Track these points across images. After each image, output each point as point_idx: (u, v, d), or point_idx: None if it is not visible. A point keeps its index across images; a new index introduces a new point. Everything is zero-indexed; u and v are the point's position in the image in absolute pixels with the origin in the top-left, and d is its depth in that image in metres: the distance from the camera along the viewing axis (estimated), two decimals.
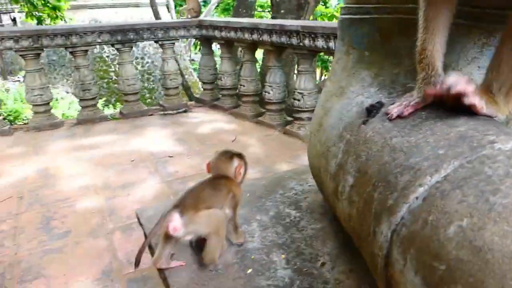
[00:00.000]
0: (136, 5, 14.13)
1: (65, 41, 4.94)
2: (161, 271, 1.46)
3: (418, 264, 0.73)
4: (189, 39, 15.87)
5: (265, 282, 1.34)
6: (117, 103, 10.97)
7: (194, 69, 14.21)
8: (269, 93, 5.03)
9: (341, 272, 1.37)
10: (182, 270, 1.44)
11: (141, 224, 1.85)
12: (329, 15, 16.74)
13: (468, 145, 0.78)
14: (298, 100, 4.63)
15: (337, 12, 16.52)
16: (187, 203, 1.40)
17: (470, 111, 0.93)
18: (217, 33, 5.48)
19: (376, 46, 1.35)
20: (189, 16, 5.80)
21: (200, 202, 1.42)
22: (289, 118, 5.30)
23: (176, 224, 1.34)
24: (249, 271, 1.41)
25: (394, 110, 1.06)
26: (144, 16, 13.12)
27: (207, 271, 1.42)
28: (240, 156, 1.64)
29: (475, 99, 0.90)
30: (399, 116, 1.04)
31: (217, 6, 22.23)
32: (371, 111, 1.13)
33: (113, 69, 11.88)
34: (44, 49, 5.00)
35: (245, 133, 4.98)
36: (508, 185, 0.64)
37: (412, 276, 0.74)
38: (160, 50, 5.86)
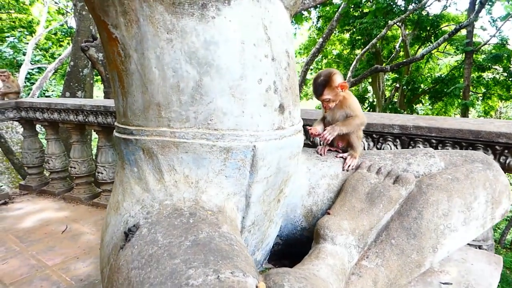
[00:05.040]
0: None
1: None
2: None
3: None
4: None
5: None
6: None
7: None
8: (102, 173, 4.84)
9: None
10: None
11: None
12: None
13: (171, 283, 0.91)
14: None
15: None
16: None
17: None
18: (39, 115, 5.10)
19: (141, 163, 1.47)
20: (6, 99, 5.29)
21: None
22: None
23: None
24: None
25: None
26: None
27: None
28: None
29: None
30: None
31: (55, 72, 20.86)
32: (128, 235, 1.21)
33: None
34: None
35: (78, 220, 4.61)
36: None
37: None
38: None
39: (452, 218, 1.71)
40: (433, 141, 2.58)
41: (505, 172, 2.55)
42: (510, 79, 14.19)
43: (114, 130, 1.65)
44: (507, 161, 2.44)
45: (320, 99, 1.86)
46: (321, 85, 1.81)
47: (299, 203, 1.85)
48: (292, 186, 1.77)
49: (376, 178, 1.81)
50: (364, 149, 2.82)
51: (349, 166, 1.87)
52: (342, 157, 1.94)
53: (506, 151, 2.44)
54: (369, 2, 14.95)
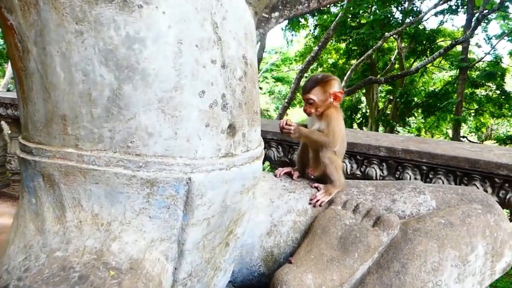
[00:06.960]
0: None
1: None
2: None
3: None
4: None
5: None
6: None
7: None
8: None
9: None
10: None
11: None
12: None
13: None
14: None
15: None
16: None
17: None
18: (2, 111, 4.70)
19: (41, 194, 1.12)
20: None
21: None
22: None
23: None
24: None
25: None
26: None
27: None
28: None
29: None
30: None
31: None
32: None
33: None
34: None
35: None
36: None
37: None
38: None
39: (443, 274, 1.38)
40: (424, 167, 2.26)
41: (504, 208, 2.24)
42: (503, 97, 14.06)
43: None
44: (507, 196, 2.12)
45: (304, 97, 1.55)
46: (314, 82, 1.54)
47: (257, 244, 1.50)
48: (246, 224, 1.43)
49: (353, 218, 1.47)
50: (346, 172, 2.50)
51: (316, 201, 1.53)
52: (317, 187, 1.60)
53: (506, 184, 2.11)
54: (366, 13, 14.76)
